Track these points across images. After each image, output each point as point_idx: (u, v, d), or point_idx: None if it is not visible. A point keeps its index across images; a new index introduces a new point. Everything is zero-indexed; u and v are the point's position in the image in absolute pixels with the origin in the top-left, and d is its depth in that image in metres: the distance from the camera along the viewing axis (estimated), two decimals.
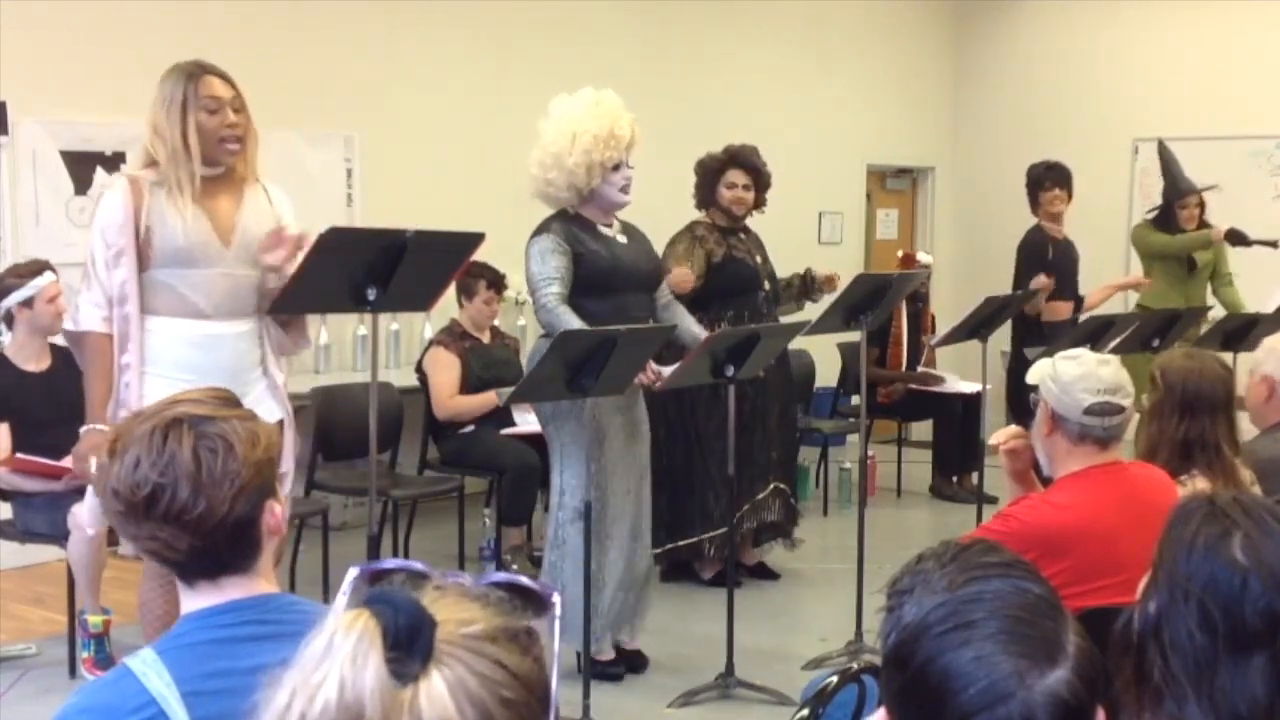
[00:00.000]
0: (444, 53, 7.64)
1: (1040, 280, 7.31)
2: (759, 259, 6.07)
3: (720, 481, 5.72)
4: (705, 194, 6.08)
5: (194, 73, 3.75)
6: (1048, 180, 7.58)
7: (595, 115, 4.76)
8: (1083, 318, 7.40)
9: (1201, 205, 7.64)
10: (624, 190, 4.84)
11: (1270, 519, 1.69)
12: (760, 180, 6.10)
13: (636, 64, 8.24)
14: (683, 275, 5.67)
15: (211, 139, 3.75)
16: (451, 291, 6.05)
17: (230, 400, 1.87)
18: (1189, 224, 7.60)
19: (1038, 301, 7.27)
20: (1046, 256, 7.52)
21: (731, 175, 6.03)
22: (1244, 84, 9.24)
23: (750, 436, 6.00)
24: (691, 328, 5.14)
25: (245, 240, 3.83)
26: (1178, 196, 7.61)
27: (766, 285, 6.05)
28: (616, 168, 4.78)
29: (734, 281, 5.92)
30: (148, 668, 1.73)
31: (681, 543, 5.96)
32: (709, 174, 6.05)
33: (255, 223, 3.86)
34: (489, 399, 6.23)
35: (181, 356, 3.76)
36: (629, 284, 4.90)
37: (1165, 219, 7.65)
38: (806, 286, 6.26)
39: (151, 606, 3.77)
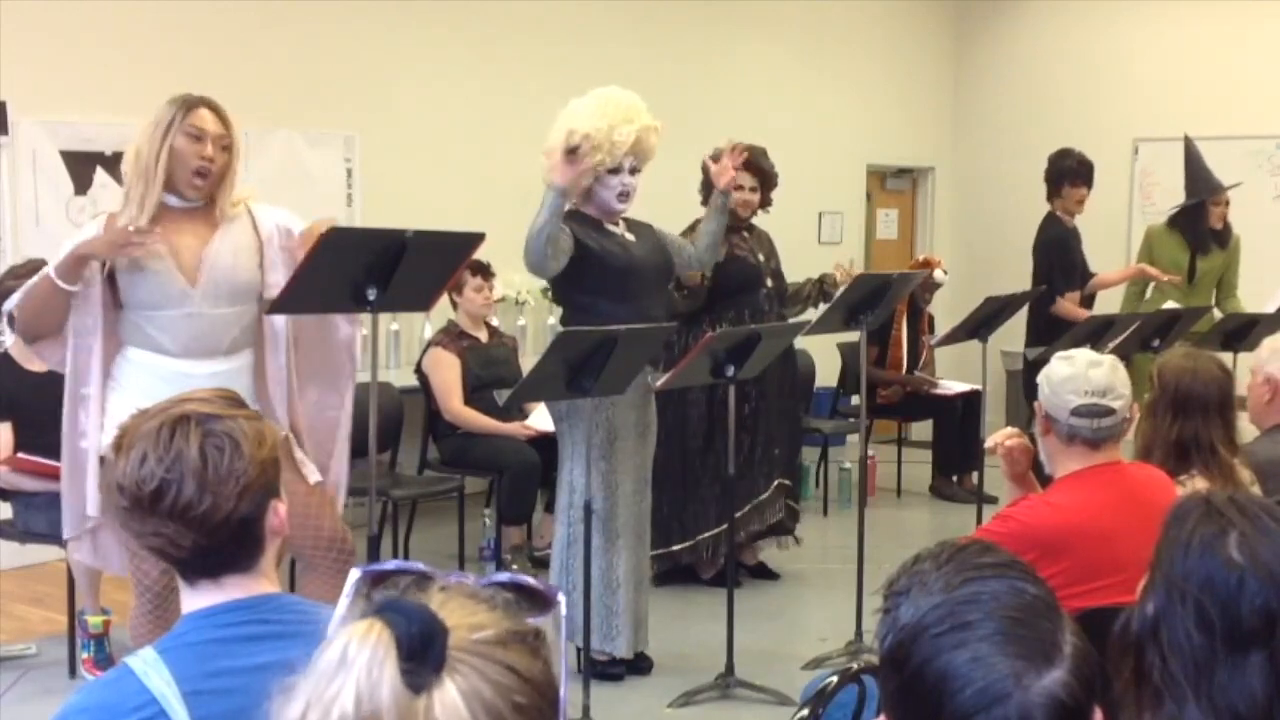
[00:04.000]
0: (444, 53, 7.64)
1: (1068, 308, 7.17)
2: (761, 256, 6.05)
3: (719, 481, 5.73)
4: (705, 193, 6.05)
5: (190, 102, 3.70)
6: (1077, 178, 7.37)
7: (595, 116, 4.68)
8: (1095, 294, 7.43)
9: (1227, 203, 7.62)
10: (621, 197, 4.78)
11: (1266, 517, 1.69)
12: (767, 181, 6.08)
13: (637, 64, 8.23)
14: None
15: (185, 166, 3.66)
16: (447, 295, 6.04)
17: (237, 400, 1.88)
18: (1218, 222, 7.56)
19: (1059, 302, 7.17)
20: (1070, 249, 7.38)
21: (739, 178, 5.99)
22: (1244, 84, 9.24)
23: (752, 436, 5.99)
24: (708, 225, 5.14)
25: (214, 277, 3.73)
26: (1211, 192, 7.56)
27: (769, 283, 6.02)
28: (614, 171, 4.75)
29: (735, 280, 5.90)
30: (148, 667, 1.73)
31: (678, 546, 5.95)
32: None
33: (229, 258, 3.77)
34: (496, 425, 6.21)
35: (151, 388, 3.66)
36: (646, 284, 4.88)
37: (1193, 217, 7.58)
38: (825, 291, 6.16)
39: (139, 639, 3.73)
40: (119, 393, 3.73)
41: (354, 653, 0.96)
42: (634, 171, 4.79)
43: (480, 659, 0.98)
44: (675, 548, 5.94)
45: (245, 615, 1.79)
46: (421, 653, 0.96)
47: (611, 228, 4.87)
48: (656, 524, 5.76)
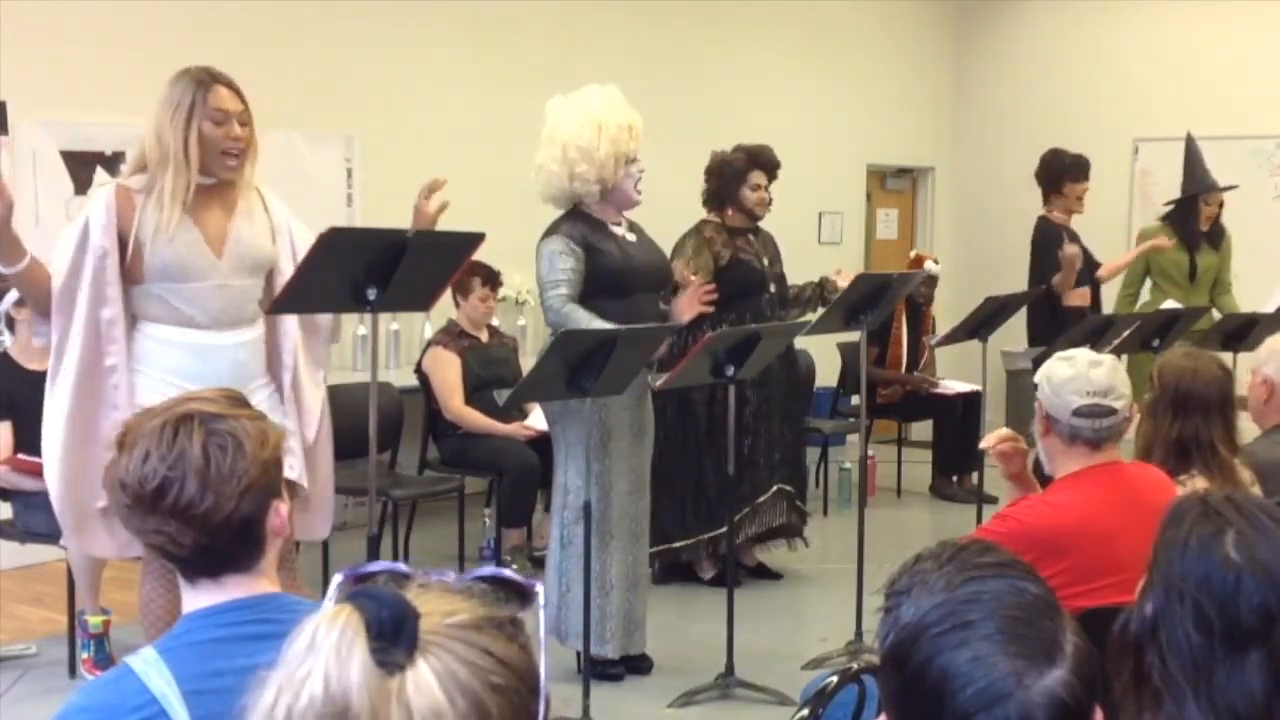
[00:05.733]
0: (444, 53, 7.65)
1: (1071, 250, 7.19)
2: (766, 260, 6.05)
3: (719, 482, 5.73)
4: (723, 195, 6.03)
5: (204, 80, 3.69)
6: (1078, 173, 7.42)
7: (614, 107, 4.79)
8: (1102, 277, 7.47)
9: (1220, 205, 7.63)
10: (637, 187, 4.85)
11: (1263, 516, 1.69)
12: (774, 175, 6.12)
13: (636, 64, 8.23)
14: (679, 271, 5.61)
15: (213, 150, 3.69)
16: (450, 291, 6.05)
17: (240, 400, 1.89)
18: (1206, 223, 7.57)
19: (1066, 278, 7.21)
20: (1063, 242, 7.45)
21: (755, 177, 6.01)
22: (1244, 84, 9.24)
23: (753, 440, 5.99)
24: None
25: (239, 250, 3.79)
26: (1205, 190, 7.56)
27: (772, 288, 6.02)
28: (631, 162, 4.81)
29: (739, 285, 5.88)
30: (149, 666, 1.73)
31: (679, 544, 5.96)
32: (733, 176, 5.99)
33: (249, 231, 3.83)
34: (496, 425, 6.21)
35: (176, 363, 3.73)
36: (641, 284, 4.90)
37: (1186, 213, 7.59)
38: (825, 296, 6.18)
39: (152, 606, 3.76)
40: (144, 372, 3.73)
41: (322, 636, 0.97)
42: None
43: (454, 641, 0.99)
44: (676, 544, 5.95)
45: (246, 615, 1.80)
46: (392, 634, 0.97)
47: (614, 228, 4.89)
48: (657, 521, 5.77)
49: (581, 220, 4.82)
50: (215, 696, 1.71)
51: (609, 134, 4.74)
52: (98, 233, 3.66)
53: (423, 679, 0.96)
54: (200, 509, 1.76)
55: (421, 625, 0.98)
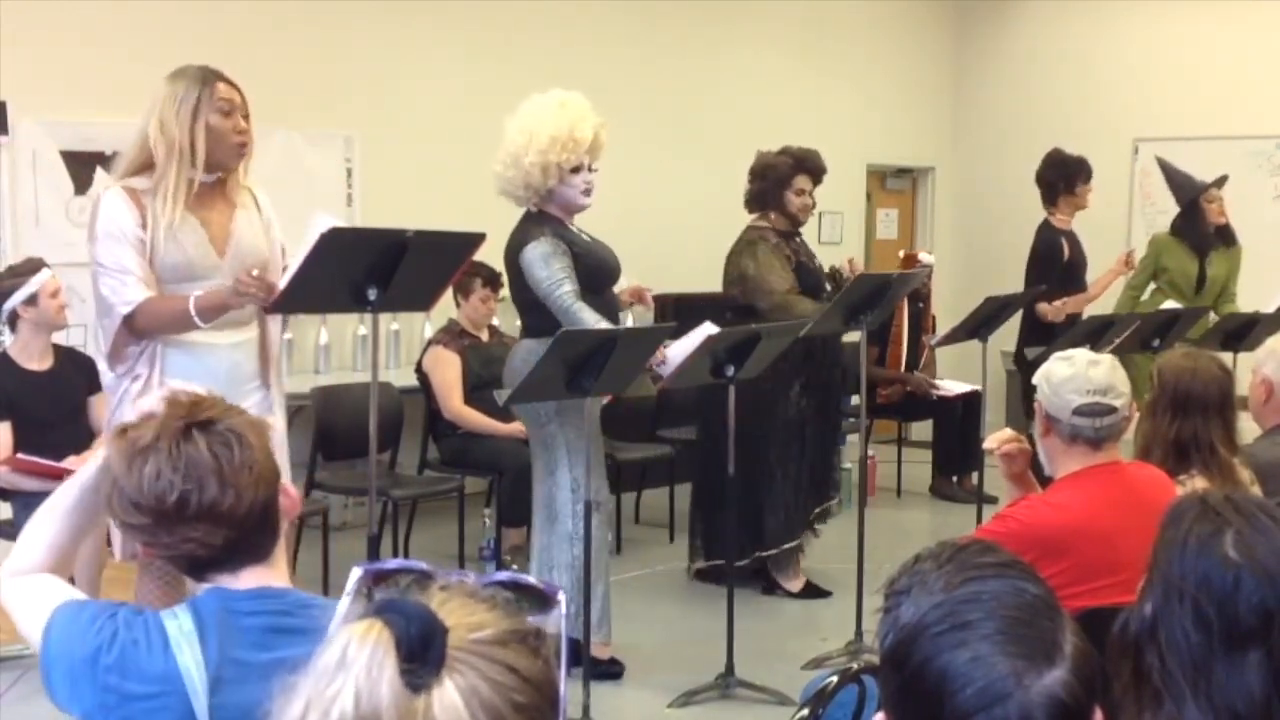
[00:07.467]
0: (444, 53, 7.65)
1: (1045, 309, 7.15)
2: (818, 261, 6.06)
3: (794, 489, 5.87)
4: (767, 198, 5.94)
5: (208, 77, 3.72)
6: (1087, 174, 7.37)
7: (555, 117, 4.79)
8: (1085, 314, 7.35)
9: (1222, 197, 7.59)
10: (585, 193, 4.86)
11: (1262, 516, 1.70)
12: (819, 183, 6.05)
13: (636, 65, 8.24)
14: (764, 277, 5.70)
15: (224, 141, 3.70)
16: (451, 291, 6.05)
17: (205, 402, 1.89)
18: (1219, 217, 7.53)
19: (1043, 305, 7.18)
20: (1063, 258, 7.39)
21: (800, 182, 5.92)
22: (1244, 84, 9.24)
23: (820, 438, 6.02)
24: None
25: (239, 251, 3.78)
26: (1196, 192, 7.54)
27: (828, 286, 5.98)
28: (576, 170, 4.81)
29: (804, 288, 5.83)
30: (184, 639, 1.75)
31: (767, 552, 5.94)
32: (778, 180, 5.90)
33: (249, 233, 3.83)
34: (495, 425, 6.21)
35: (174, 363, 3.73)
36: (610, 280, 4.96)
37: (1191, 221, 7.56)
38: (837, 284, 6.17)
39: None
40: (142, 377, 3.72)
41: (353, 653, 0.97)
42: (593, 169, 4.87)
43: (479, 658, 0.99)
44: (763, 553, 5.95)
45: (266, 605, 1.81)
46: (421, 653, 0.97)
47: (573, 226, 4.93)
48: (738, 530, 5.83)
49: (546, 220, 4.85)
50: (233, 685, 1.73)
51: (538, 145, 4.74)
52: (131, 229, 3.64)
53: (448, 697, 0.97)
54: (225, 506, 1.78)
55: (448, 640, 0.98)
